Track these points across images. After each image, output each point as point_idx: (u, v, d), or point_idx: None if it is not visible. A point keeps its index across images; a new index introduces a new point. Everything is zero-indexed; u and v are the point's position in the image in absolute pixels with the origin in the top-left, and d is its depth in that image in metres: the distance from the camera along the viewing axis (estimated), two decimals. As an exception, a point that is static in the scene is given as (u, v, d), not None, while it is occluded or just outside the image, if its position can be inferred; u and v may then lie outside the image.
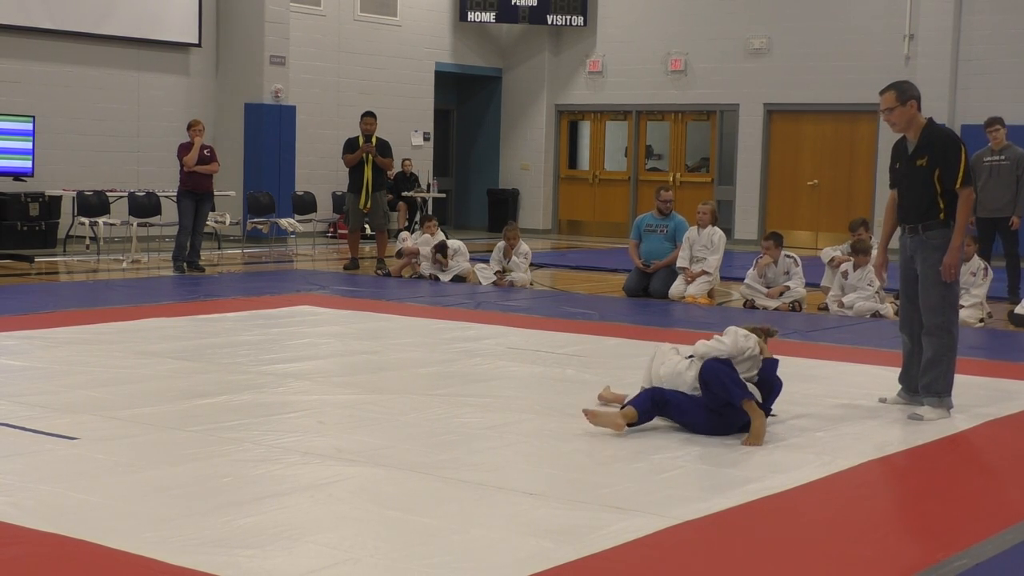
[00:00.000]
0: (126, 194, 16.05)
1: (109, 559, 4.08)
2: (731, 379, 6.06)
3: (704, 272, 12.42)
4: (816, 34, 20.03)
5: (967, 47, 18.71)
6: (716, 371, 6.09)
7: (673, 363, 6.38)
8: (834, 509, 5.01)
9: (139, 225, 15.62)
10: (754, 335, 6.36)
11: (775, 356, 6.40)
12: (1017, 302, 11.28)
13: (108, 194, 16.18)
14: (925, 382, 6.82)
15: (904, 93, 6.93)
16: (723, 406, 6.08)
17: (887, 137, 19.44)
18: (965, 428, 6.58)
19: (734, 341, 6.25)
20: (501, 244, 13.68)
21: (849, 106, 19.88)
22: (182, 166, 14.09)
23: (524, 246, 13.73)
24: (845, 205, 19.77)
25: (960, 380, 7.01)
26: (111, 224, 15.71)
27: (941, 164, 6.78)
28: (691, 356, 6.38)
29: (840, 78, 19.74)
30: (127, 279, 13.37)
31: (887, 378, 8.01)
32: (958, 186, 6.75)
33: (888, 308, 11.37)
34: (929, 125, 6.95)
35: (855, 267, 11.54)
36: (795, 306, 11.73)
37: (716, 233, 12.58)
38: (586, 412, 6.16)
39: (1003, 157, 12.27)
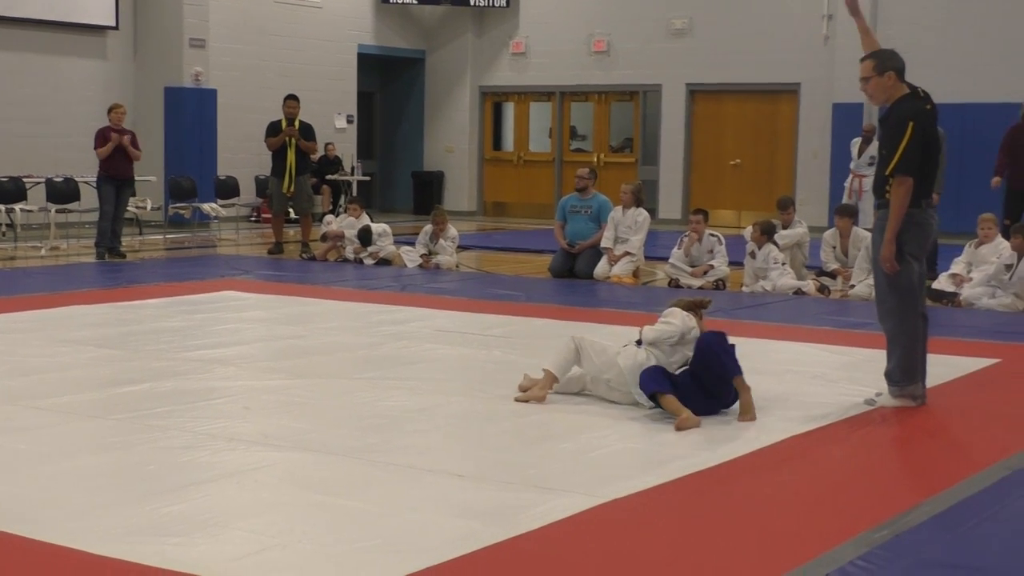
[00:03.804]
0: (43, 180, 15.79)
1: (31, 551, 4.03)
2: (727, 353, 6.14)
3: (628, 253, 12.49)
4: (737, 14, 20.16)
5: (885, 27, 18.91)
6: (713, 345, 6.13)
7: (631, 354, 6.38)
8: (760, 484, 5.08)
9: (57, 211, 15.37)
10: (693, 316, 6.45)
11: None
12: (934, 277, 11.46)
13: (25, 180, 15.88)
14: (886, 368, 6.54)
15: (883, 63, 6.43)
16: (717, 383, 6.14)
17: (808, 116, 19.70)
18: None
19: (682, 320, 6.33)
20: (428, 228, 13.64)
21: (770, 86, 20.06)
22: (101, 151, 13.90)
23: (452, 230, 13.70)
24: (767, 184, 19.97)
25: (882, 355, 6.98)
26: (28, 211, 15.46)
27: (885, 145, 6.39)
28: (639, 342, 6.43)
29: (761, 58, 19.89)
30: (46, 266, 13.17)
31: (811, 354, 8.13)
32: (888, 171, 6.30)
33: (810, 285, 11.52)
34: (899, 100, 6.41)
35: (759, 246, 11.65)
36: (719, 284, 11.84)
37: (641, 214, 12.67)
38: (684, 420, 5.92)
39: None
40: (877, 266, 6.50)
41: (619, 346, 6.51)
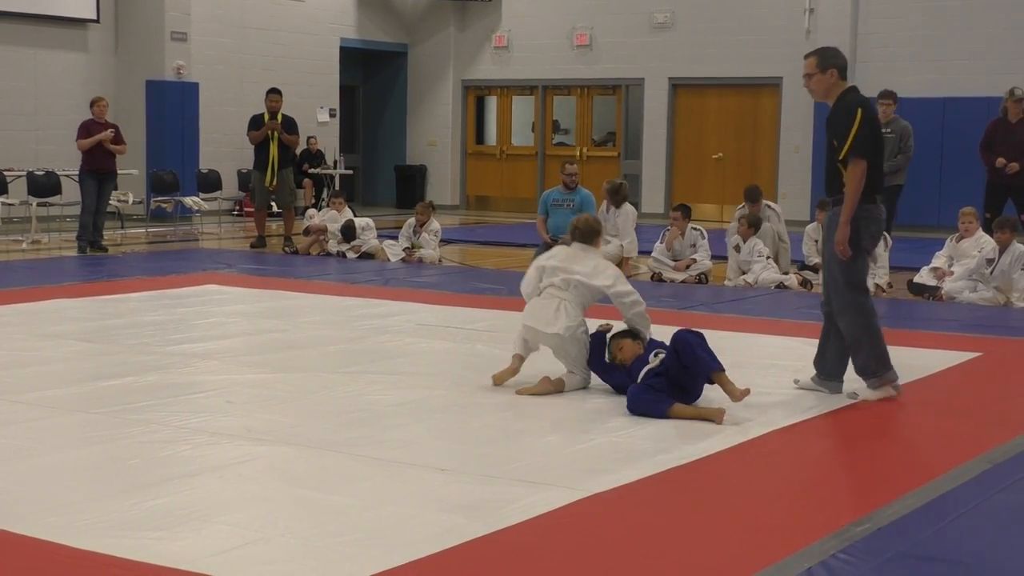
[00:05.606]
0: (24, 173, 15.72)
1: (12, 545, 4.02)
2: (705, 349, 6.11)
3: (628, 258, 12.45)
4: (719, 8, 20.17)
5: (865, 21, 18.98)
6: (691, 341, 6.10)
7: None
8: (743, 477, 5.09)
9: (39, 205, 15.32)
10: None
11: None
12: (915, 271, 11.50)
13: (6, 173, 15.81)
14: (857, 365, 6.55)
15: (825, 60, 6.59)
16: (687, 378, 6.12)
17: (790, 110, 19.73)
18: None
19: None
20: (411, 221, 13.64)
21: (752, 79, 20.07)
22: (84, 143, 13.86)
23: (435, 223, 13.68)
24: (749, 178, 19.88)
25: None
26: (9, 204, 15.39)
27: (836, 135, 6.49)
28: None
29: (743, 52, 19.91)
30: (27, 260, 13.12)
31: (792, 347, 8.14)
32: (842, 156, 6.40)
33: (792, 279, 11.55)
34: (842, 95, 6.59)
35: (744, 239, 11.68)
36: (702, 278, 11.86)
37: (622, 212, 12.58)
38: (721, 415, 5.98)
39: (889, 130, 12.61)
40: (831, 263, 6.55)
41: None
